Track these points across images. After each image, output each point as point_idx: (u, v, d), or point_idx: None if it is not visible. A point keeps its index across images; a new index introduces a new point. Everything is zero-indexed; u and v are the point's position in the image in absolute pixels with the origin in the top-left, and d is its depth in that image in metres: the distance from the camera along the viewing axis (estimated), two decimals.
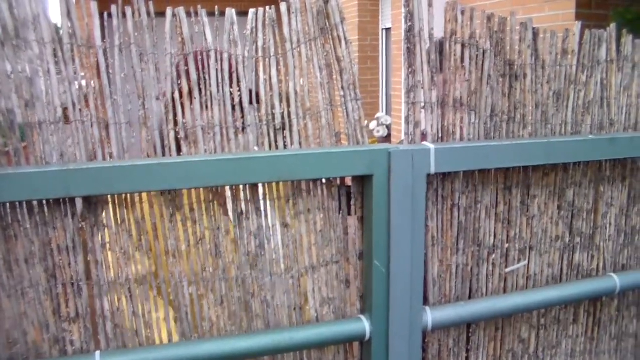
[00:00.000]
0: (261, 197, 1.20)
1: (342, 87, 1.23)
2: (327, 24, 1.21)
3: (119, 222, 1.12)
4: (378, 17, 7.54)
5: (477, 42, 1.27)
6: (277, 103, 1.19)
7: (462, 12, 1.25)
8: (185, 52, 1.12)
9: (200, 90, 1.13)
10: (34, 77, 1.07)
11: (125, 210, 1.12)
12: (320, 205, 1.22)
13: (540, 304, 1.42)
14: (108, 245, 1.12)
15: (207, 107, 1.14)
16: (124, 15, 1.10)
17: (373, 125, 7.21)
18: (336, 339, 1.22)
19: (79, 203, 1.08)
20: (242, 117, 1.16)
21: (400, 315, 1.24)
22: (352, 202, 1.24)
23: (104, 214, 1.12)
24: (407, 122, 1.25)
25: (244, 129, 1.17)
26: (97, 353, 1.09)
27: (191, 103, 1.13)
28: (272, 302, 1.21)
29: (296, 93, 1.20)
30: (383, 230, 1.18)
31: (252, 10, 1.17)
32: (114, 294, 1.13)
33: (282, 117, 1.20)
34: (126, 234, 1.12)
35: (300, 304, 1.23)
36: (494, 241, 1.40)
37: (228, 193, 1.18)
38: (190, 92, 1.13)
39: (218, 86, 1.14)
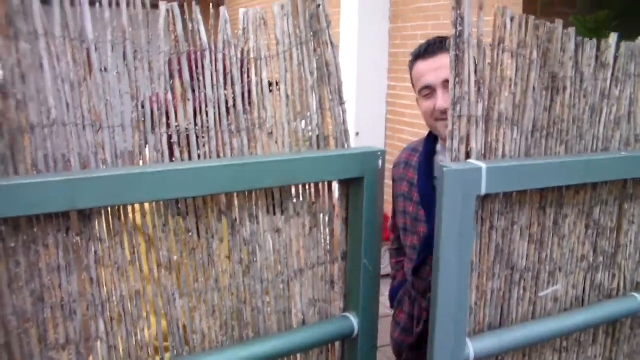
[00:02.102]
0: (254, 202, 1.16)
1: (330, 92, 1.21)
2: (319, 27, 1.20)
3: (113, 234, 1.03)
4: None
5: (525, 51, 1.17)
6: (268, 106, 1.16)
7: (512, 19, 1.14)
8: (180, 51, 1.06)
9: (194, 91, 1.08)
10: (27, 73, 0.93)
11: (119, 222, 1.03)
12: (309, 208, 1.21)
13: (572, 329, 1.35)
14: (104, 260, 1.01)
15: (201, 109, 1.09)
16: (117, 4, 0.98)
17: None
18: (327, 338, 1.23)
19: (73, 216, 0.98)
20: (236, 120, 1.13)
21: (443, 348, 1.13)
22: (339, 205, 1.24)
23: (97, 227, 1.00)
24: (452, 137, 1.14)
25: (239, 132, 1.13)
26: None
27: (185, 105, 1.07)
28: (263, 309, 1.19)
29: (287, 97, 1.18)
30: (372, 230, 1.19)
31: (242, 10, 1.14)
32: (109, 313, 1.04)
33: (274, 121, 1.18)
34: (119, 247, 1.03)
35: (289, 308, 1.22)
36: (526, 263, 1.31)
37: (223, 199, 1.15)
38: (184, 94, 1.07)
39: (213, 88, 1.10)
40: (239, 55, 1.12)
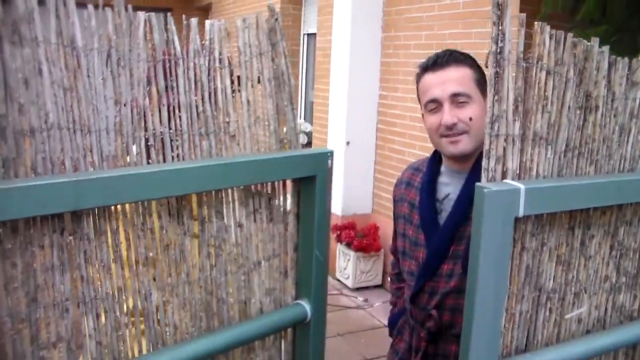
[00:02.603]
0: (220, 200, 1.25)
1: (284, 98, 1.33)
2: (277, 40, 1.31)
3: (99, 234, 1.09)
4: (300, 22, 7.40)
5: (562, 69, 1.15)
6: (231, 111, 1.26)
7: (551, 36, 1.12)
8: (156, 59, 1.15)
9: (168, 97, 1.17)
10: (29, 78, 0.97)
11: (105, 222, 1.09)
12: (267, 204, 1.31)
13: (597, 351, 1.33)
14: (91, 259, 1.07)
15: (174, 113, 1.18)
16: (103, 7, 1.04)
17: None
18: (283, 324, 1.33)
19: (67, 217, 1.03)
20: (205, 124, 1.22)
21: None
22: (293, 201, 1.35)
23: (86, 227, 1.06)
24: (488, 156, 1.11)
25: (208, 135, 1.23)
26: None
27: (160, 110, 1.16)
28: (227, 299, 1.27)
29: (248, 102, 1.28)
30: (323, 223, 1.31)
31: (208, 22, 1.25)
32: (98, 310, 1.10)
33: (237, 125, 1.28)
34: (105, 245, 1.09)
35: (249, 298, 1.32)
36: (553, 285, 1.29)
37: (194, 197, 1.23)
38: (160, 99, 1.16)
39: (185, 93, 1.18)
40: (207, 64, 1.22)
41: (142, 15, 1.11)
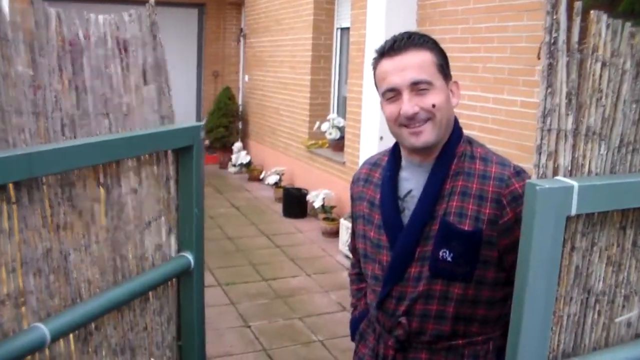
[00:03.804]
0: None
1: (164, 82, 1.56)
2: (156, 32, 1.56)
3: (33, 202, 1.24)
4: (333, 16, 7.35)
5: (618, 61, 1.09)
6: (124, 93, 1.47)
7: (607, 26, 1.06)
8: (65, 50, 1.32)
9: (75, 81, 1.35)
10: None
11: (37, 192, 1.25)
12: (153, 172, 1.51)
13: None
14: (28, 224, 1.22)
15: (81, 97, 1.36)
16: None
17: (325, 126, 7.02)
18: (171, 274, 1.50)
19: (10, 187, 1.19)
20: (106, 105, 1.42)
21: None
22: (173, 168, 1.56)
23: (25, 196, 1.22)
24: (539, 152, 1.06)
25: (107, 114, 1.43)
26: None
27: (69, 92, 1.34)
28: (127, 256, 1.46)
29: (137, 86, 1.49)
30: (199, 185, 1.51)
31: (101, 17, 1.43)
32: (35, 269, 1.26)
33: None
34: (39, 214, 1.26)
35: (143, 254, 1.51)
36: (602, 287, 1.23)
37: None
38: (70, 83, 1.34)
39: (89, 79, 1.37)
40: (103, 53, 1.42)
41: (53, 11, 1.30)
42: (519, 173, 1.46)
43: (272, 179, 7.79)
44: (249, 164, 9.11)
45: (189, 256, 1.54)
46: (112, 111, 1.43)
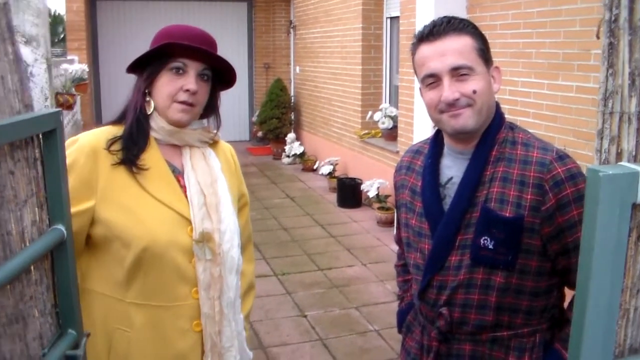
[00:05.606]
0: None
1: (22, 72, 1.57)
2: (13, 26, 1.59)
3: None
4: (382, 5, 7.28)
5: None
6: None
7: None
8: None
9: None
10: None
11: None
12: (25, 155, 1.58)
13: None
14: None
15: None
16: None
17: (378, 116, 6.97)
18: (49, 247, 1.58)
19: None
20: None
21: None
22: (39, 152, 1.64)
23: None
24: (602, 137, 1.01)
25: None
26: None
27: None
28: (11, 231, 1.51)
29: (2, 77, 1.49)
30: (64, 164, 1.63)
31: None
32: None
33: None
34: None
35: (23, 230, 1.57)
36: None
37: None
38: None
39: None
40: None
41: None
42: (562, 158, 1.41)
43: (325, 169, 7.81)
44: (302, 155, 9.16)
45: (62, 228, 1.67)
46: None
